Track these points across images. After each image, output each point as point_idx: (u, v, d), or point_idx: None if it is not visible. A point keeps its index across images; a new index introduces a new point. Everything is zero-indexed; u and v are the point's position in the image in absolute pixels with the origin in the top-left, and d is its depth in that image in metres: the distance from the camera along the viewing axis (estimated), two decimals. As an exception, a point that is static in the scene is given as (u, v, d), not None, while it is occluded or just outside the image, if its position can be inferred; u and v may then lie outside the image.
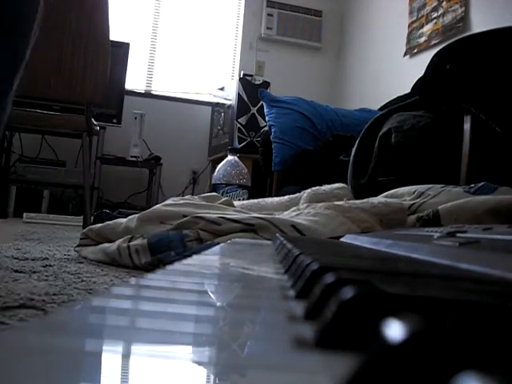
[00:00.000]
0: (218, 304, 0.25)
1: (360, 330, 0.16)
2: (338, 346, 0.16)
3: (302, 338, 0.17)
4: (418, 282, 0.25)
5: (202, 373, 0.15)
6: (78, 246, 1.45)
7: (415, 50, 3.40)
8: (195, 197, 1.61)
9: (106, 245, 1.36)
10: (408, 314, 0.13)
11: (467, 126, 1.61)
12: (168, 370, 0.14)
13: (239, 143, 3.60)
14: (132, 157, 3.74)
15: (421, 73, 1.80)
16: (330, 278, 0.21)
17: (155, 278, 0.30)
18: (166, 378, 0.14)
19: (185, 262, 0.43)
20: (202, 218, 1.27)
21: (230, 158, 3.12)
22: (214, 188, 3.01)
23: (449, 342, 0.11)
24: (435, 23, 3.21)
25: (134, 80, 4.09)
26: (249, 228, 1.23)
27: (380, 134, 1.89)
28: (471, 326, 0.12)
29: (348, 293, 0.16)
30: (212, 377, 0.14)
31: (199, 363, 0.15)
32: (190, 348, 0.17)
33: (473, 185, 1.41)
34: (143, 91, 4.17)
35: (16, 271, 0.99)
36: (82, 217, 2.14)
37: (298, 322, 0.20)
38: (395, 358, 0.11)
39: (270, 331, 0.19)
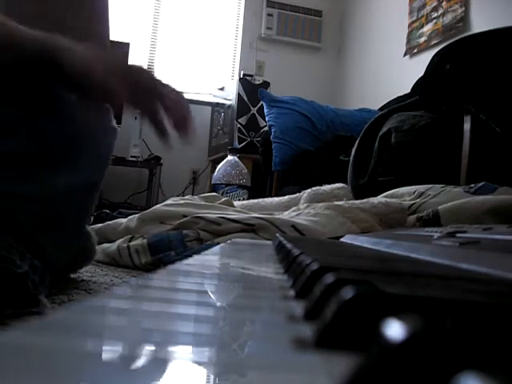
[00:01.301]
0: (218, 304, 0.25)
1: (360, 330, 0.16)
2: (338, 346, 0.16)
3: (302, 338, 0.17)
4: (418, 282, 0.25)
5: (201, 373, 0.15)
6: (78, 246, 1.44)
7: (415, 50, 3.40)
8: (195, 197, 1.61)
9: (106, 245, 1.36)
10: (408, 314, 0.13)
11: (467, 125, 1.61)
12: (168, 369, 0.14)
13: (239, 143, 3.59)
14: (132, 157, 3.74)
15: (421, 73, 1.80)
16: (329, 278, 0.21)
17: (155, 278, 0.30)
18: (166, 377, 0.14)
19: (185, 262, 0.43)
20: (202, 218, 1.27)
21: (230, 158, 3.12)
22: (214, 188, 3.01)
23: (449, 342, 0.11)
24: (435, 23, 3.21)
25: (134, 80, 4.08)
26: (249, 228, 1.23)
27: (380, 133, 1.89)
28: (471, 326, 0.12)
29: (348, 293, 0.16)
30: (212, 377, 0.14)
31: (199, 363, 0.15)
32: (190, 348, 0.17)
33: (473, 185, 1.41)
34: (143, 91, 4.17)
35: (16, 271, 0.98)
36: (81, 217, 2.13)
37: (298, 322, 0.20)
38: (395, 358, 0.11)
39: (269, 331, 0.19)
